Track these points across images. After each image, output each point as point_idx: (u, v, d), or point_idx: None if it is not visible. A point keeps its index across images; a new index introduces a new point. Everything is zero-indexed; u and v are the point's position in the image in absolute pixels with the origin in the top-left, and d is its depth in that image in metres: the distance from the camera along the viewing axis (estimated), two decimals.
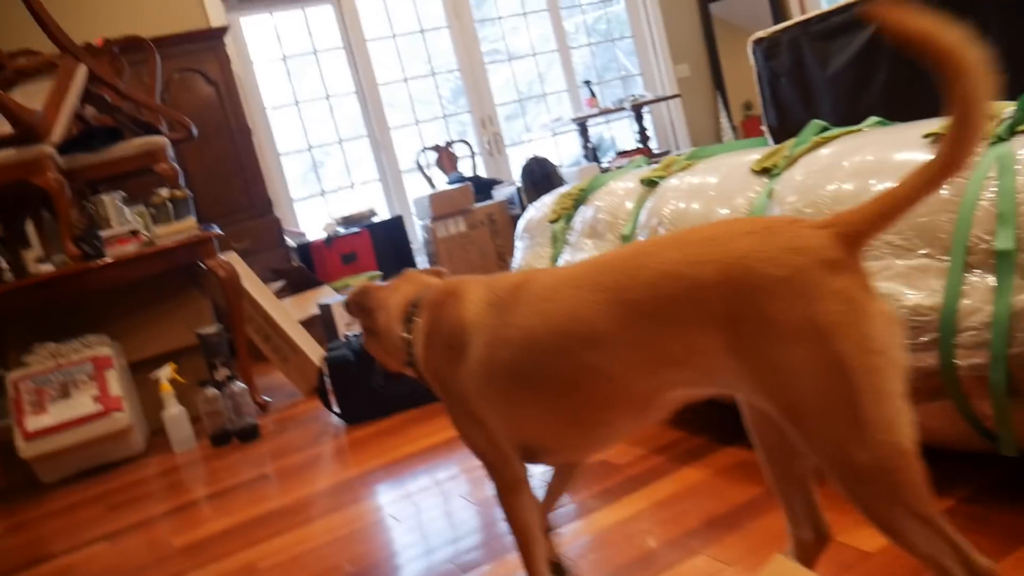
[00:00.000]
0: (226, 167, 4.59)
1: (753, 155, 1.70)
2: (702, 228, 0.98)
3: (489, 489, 1.81)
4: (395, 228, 5.18)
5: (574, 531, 1.51)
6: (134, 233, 2.83)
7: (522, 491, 1.17)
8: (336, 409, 2.67)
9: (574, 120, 5.95)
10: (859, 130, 1.55)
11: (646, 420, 1.08)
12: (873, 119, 1.61)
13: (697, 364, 0.95)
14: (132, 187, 3.37)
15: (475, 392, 1.13)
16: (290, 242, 4.86)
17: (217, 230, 3.04)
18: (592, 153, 5.97)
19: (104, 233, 2.84)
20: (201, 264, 3.03)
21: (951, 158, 0.84)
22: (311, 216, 5.55)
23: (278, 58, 5.50)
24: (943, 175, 0.86)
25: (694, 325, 0.93)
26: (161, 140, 3.04)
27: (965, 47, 0.80)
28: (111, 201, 2.87)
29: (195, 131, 3.28)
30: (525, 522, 1.18)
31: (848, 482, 0.88)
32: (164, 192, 2.98)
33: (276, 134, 5.44)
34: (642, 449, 1.82)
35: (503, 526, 1.61)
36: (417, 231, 5.54)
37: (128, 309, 3.16)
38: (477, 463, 1.84)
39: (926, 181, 0.87)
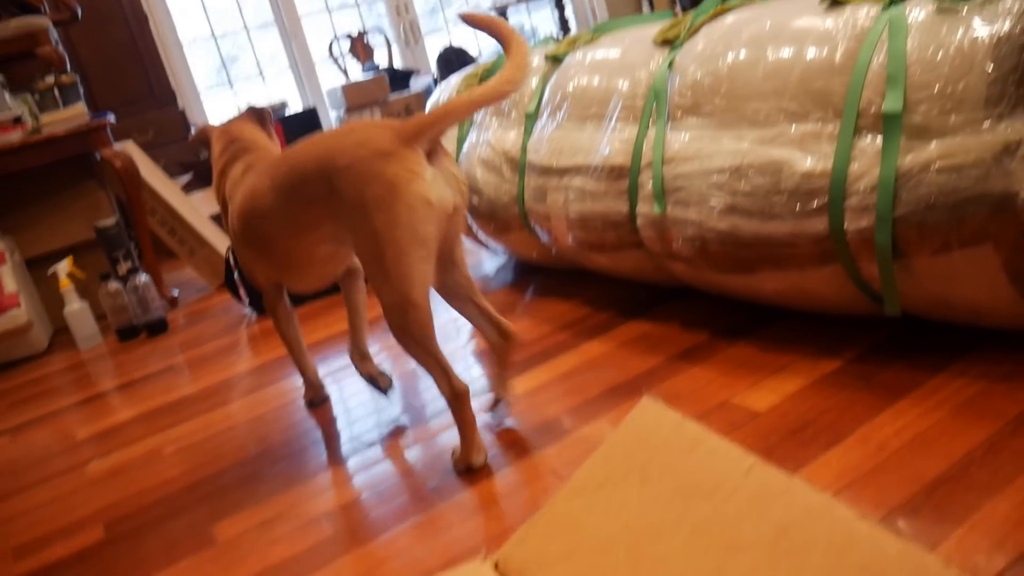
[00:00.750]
0: (122, 54, 4.33)
1: (657, 28, 1.67)
2: (330, 130, 1.28)
3: (402, 367, 1.81)
4: (309, 120, 5.00)
5: (484, 402, 1.53)
6: (17, 120, 2.66)
7: (278, 301, 1.58)
8: (246, 300, 2.62)
9: (493, 8, 5.77)
10: None
11: (326, 268, 1.46)
12: None
13: (325, 228, 1.28)
14: (14, 74, 3.15)
15: (237, 240, 1.48)
16: None
17: (111, 118, 2.87)
18: None
19: None
20: (96, 155, 2.88)
21: (496, 90, 1.19)
22: (220, 109, 5.31)
23: None
24: (486, 101, 1.21)
25: (311, 202, 1.26)
26: (42, 21, 2.82)
27: (513, 33, 1.23)
28: None
29: (79, 12, 3.05)
30: (283, 330, 1.61)
31: (384, 313, 1.24)
32: (49, 78, 2.79)
33: (178, 22, 5.12)
34: (549, 326, 1.84)
35: (411, 408, 1.63)
36: (332, 123, 5.38)
37: (20, 203, 3.00)
38: (392, 344, 1.94)
39: (471, 102, 1.20)
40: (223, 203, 1.55)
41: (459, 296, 1.38)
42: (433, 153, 1.22)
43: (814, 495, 0.51)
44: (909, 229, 1.18)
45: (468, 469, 1.30)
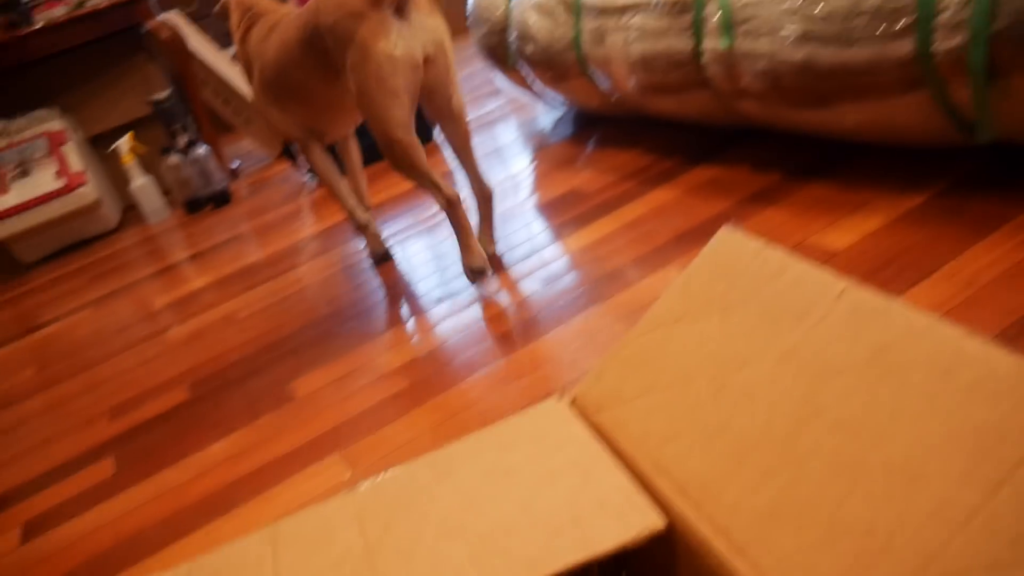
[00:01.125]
0: None
1: None
2: None
3: None
4: None
5: (546, 256, 1.51)
6: None
7: (313, 149, 1.66)
8: (304, 167, 2.61)
9: None
10: None
11: (356, 112, 1.55)
12: None
13: (345, 76, 1.36)
14: None
15: (266, 99, 1.58)
16: None
17: None
18: None
19: None
20: (142, 27, 2.84)
21: None
22: None
23: None
24: None
25: (322, 52, 1.37)
26: None
27: None
28: None
29: None
30: (321, 167, 1.68)
31: (380, 150, 1.37)
32: None
33: None
34: (612, 176, 1.78)
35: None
36: None
37: (75, 81, 3.00)
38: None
39: None
40: (247, 66, 1.62)
41: (454, 147, 1.51)
42: (402, 8, 1.30)
43: (915, 315, 0.48)
44: (1006, 45, 1.07)
45: (474, 273, 1.44)
